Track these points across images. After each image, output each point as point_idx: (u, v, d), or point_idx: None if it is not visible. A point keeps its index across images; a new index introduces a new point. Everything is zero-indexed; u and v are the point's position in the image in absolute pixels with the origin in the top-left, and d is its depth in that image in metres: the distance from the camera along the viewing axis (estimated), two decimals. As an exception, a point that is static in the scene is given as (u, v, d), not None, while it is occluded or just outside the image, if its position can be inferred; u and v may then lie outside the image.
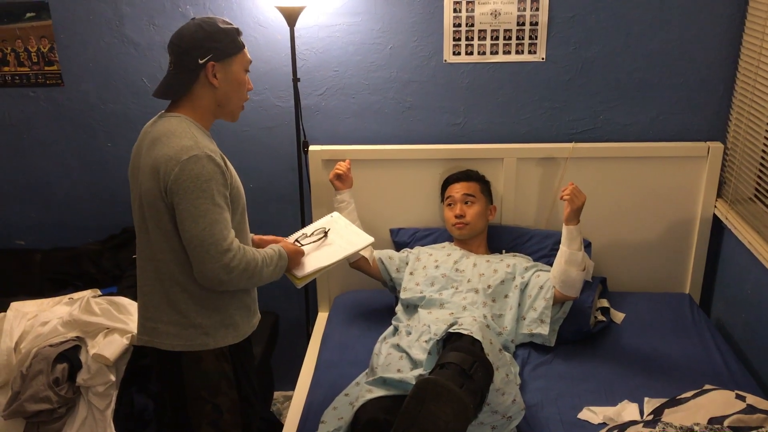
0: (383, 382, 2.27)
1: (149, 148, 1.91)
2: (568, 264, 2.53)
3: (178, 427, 2.07)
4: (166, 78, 1.96)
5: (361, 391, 2.26)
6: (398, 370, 2.33)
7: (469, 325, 2.22)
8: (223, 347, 2.01)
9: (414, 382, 2.21)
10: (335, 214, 2.54)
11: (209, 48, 1.90)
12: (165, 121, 1.94)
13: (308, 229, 2.40)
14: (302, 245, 2.25)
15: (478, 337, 2.16)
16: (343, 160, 2.83)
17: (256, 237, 2.25)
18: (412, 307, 2.70)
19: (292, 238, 2.33)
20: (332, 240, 2.34)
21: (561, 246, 2.57)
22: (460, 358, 2.10)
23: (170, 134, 1.88)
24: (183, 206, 1.83)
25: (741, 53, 2.79)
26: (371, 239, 2.37)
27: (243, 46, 1.98)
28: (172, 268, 1.93)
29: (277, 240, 2.25)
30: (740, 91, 2.79)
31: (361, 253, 2.78)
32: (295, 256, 2.14)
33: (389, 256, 2.85)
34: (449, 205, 2.85)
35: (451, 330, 2.24)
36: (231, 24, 1.96)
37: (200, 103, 1.95)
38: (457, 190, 2.83)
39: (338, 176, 2.81)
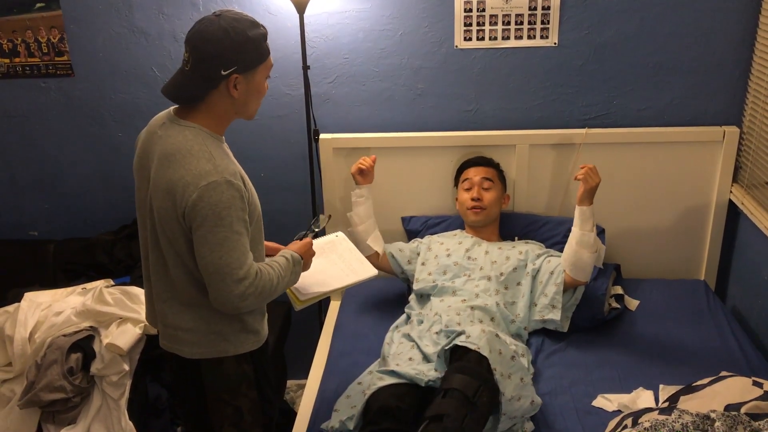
0: (395, 372, 2.26)
1: (163, 164, 1.79)
2: (579, 245, 2.51)
3: (199, 429, 2.05)
4: (180, 76, 1.80)
5: (373, 379, 2.26)
6: (410, 359, 2.33)
7: (477, 338, 2.16)
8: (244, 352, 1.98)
9: (425, 379, 2.20)
10: (340, 234, 2.47)
11: (233, 60, 1.75)
12: (179, 132, 1.81)
13: (314, 245, 2.31)
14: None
15: (485, 353, 2.11)
16: (368, 155, 2.78)
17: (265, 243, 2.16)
18: (425, 296, 2.69)
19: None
20: (334, 262, 2.29)
21: (573, 227, 2.55)
22: (465, 383, 2.04)
23: (186, 153, 1.76)
24: (200, 233, 1.75)
25: (757, 36, 2.74)
26: (375, 272, 2.30)
27: (268, 53, 1.84)
28: (187, 286, 1.88)
29: (280, 249, 2.13)
30: (756, 74, 2.75)
31: (373, 246, 2.78)
32: (309, 250, 2.06)
33: (399, 248, 2.83)
34: (467, 189, 2.82)
35: (458, 342, 2.19)
36: (259, 27, 1.80)
37: (216, 112, 1.83)
38: (476, 173, 2.82)
39: (361, 171, 2.76)
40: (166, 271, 1.89)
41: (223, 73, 1.75)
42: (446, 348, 2.25)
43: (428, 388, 2.21)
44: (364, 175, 2.77)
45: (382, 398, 2.15)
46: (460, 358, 2.16)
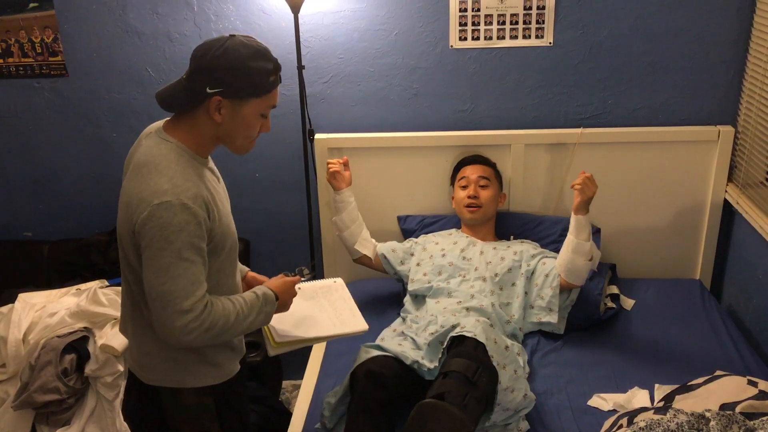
0: (380, 348, 2.33)
1: (131, 174, 1.73)
2: (575, 253, 2.51)
3: None
4: (176, 84, 1.75)
5: (360, 353, 2.31)
6: (399, 344, 2.38)
7: (472, 327, 2.21)
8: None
9: (411, 358, 2.26)
10: (338, 280, 2.33)
11: (222, 81, 1.67)
12: (156, 145, 1.73)
13: (306, 286, 2.22)
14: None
15: (481, 339, 2.15)
16: (340, 158, 2.77)
17: (250, 274, 2.06)
18: (420, 298, 2.68)
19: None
20: (324, 309, 2.16)
21: (569, 235, 2.55)
22: (464, 366, 2.09)
23: (152, 167, 1.68)
24: (147, 254, 1.65)
25: (752, 35, 2.75)
26: (365, 327, 2.13)
27: (269, 90, 1.73)
28: (145, 305, 1.75)
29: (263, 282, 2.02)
30: (751, 74, 2.75)
31: (360, 250, 2.78)
32: (288, 289, 1.91)
33: (392, 249, 2.82)
34: (463, 187, 2.82)
35: (453, 333, 2.23)
36: (266, 61, 1.71)
37: (199, 130, 1.75)
38: (473, 171, 2.82)
39: (334, 175, 2.73)
40: (130, 289, 1.81)
41: (208, 90, 1.68)
42: (442, 342, 2.27)
43: (418, 377, 2.26)
44: (338, 179, 2.74)
45: (367, 365, 2.20)
46: (456, 346, 2.19)
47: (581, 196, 2.48)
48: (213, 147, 1.81)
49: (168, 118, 1.82)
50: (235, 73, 1.67)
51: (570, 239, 2.54)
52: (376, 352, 2.29)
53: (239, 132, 1.76)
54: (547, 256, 2.70)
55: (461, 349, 2.15)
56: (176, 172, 1.68)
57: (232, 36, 1.71)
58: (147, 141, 1.77)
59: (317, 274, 3.13)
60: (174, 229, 1.63)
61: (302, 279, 2.02)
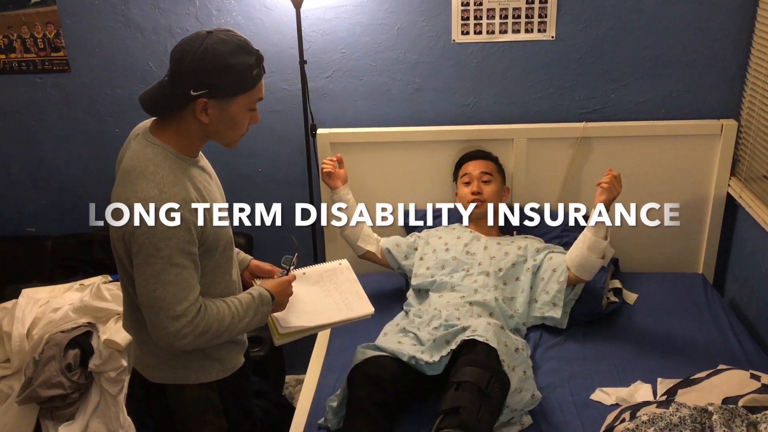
0: (377, 348, 2.31)
1: (119, 178, 1.72)
2: (590, 250, 2.50)
3: None
4: (158, 87, 1.71)
5: (356, 354, 2.29)
6: (399, 342, 2.36)
7: (484, 330, 2.19)
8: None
9: (407, 354, 2.23)
10: (344, 261, 2.28)
11: (205, 83, 1.64)
12: (142, 148, 1.71)
13: (311, 270, 2.19)
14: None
15: (493, 344, 2.13)
16: (332, 159, 2.77)
17: (254, 263, 2.07)
18: (423, 292, 2.68)
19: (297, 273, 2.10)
20: (329, 293, 2.13)
21: (586, 231, 2.52)
22: (477, 376, 2.05)
23: (140, 173, 1.66)
24: (137, 261, 1.65)
25: (755, 29, 2.74)
26: (371, 310, 2.12)
27: (254, 84, 1.70)
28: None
29: (273, 272, 2.04)
30: (754, 67, 2.75)
31: (364, 247, 2.77)
32: (284, 289, 1.92)
33: (396, 243, 2.83)
34: (466, 183, 2.82)
35: (465, 336, 2.20)
36: (248, 54, 1.67)
37: (186, 133, 1.72)
38: (475, 167, 2.81)
39: (329, 174, 2.74)
40: (127, 290, 1.81)
41: (192, 93, 1.64)
42: (448, 341, 2.26)
43: (417, 373, 2.23)
44: (333, 178, 2.75)
45: (363, 367, 2.19)
46: (468, 352, 2.16)
47: (606, 195, 2.46)
48: (202, 144, 1.80)
49: (155, 118, 1.79)
50: (218, 73, 1.64)
51: (587, 236, 2.51)
52: (371, 353, 2.27)
53: (229, 129, 1.74)
54: (553, 251, 2.69)
55: (473, 357, 2.11)
56: (163, 177, 1.66)
57: (209, 33, 1.66)
58: (135, 143, 1.75)
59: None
60: (162, 236, 1.62)
61: (292, 267, 2.02)
